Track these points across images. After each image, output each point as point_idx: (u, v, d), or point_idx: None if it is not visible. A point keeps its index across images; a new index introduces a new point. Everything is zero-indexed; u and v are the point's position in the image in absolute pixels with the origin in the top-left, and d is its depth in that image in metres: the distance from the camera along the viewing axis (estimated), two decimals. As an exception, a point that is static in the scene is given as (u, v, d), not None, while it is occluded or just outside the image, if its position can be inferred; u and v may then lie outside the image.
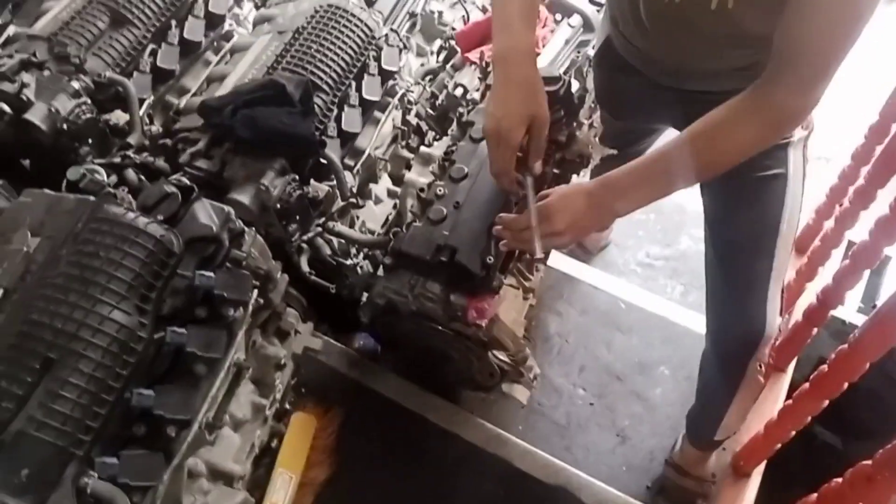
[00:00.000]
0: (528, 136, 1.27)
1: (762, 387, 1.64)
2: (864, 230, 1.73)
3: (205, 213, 1.31)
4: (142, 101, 1.75)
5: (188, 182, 1.38)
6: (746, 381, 1.62)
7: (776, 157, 1.46)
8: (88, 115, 1.63)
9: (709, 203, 1.62)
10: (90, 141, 1.65)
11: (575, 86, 1.77)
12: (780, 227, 1.49)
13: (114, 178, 1.49)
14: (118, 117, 1.71)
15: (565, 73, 1.76)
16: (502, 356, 1.65)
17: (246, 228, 1.37)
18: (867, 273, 1.85)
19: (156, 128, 1.77)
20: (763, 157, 1.43)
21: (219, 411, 1.30)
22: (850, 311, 2.10)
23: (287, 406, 1.63)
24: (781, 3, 1.12)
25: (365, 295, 1.61)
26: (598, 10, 2.18)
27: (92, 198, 1.27)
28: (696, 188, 1.63)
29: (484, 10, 2.29)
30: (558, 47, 2.07)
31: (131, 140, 1.69)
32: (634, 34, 1.47)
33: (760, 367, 1.58)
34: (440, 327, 1.56)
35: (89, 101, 1.65)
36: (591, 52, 2.20)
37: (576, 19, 2.13)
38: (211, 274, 1.23)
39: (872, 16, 1.06)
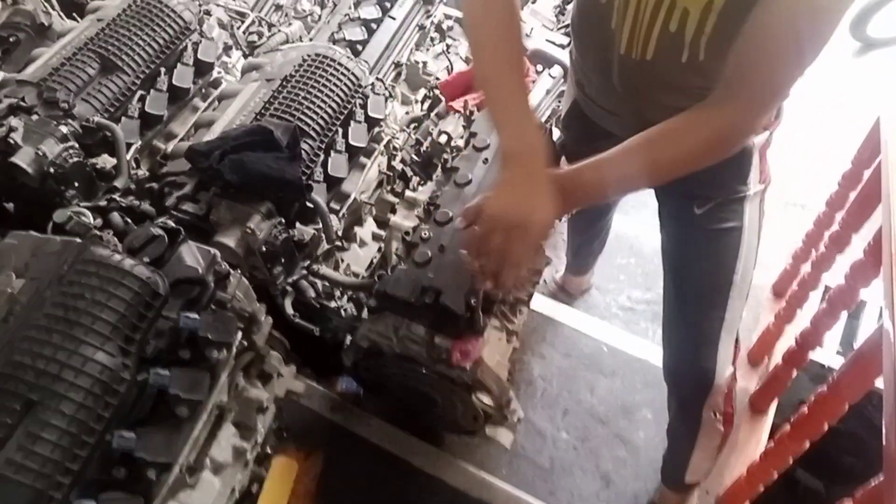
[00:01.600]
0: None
1: (723, 434, 1.64)
2: (840, 274, 1.76)
3: (191, 255, 1.31)
4: (129, 146, 1.76)
5: (174, 225, 1.38)
6: (704, 429, 1.63)
7: (732, 210, 1.48)
8: (76, 159, 1.63)
9: (667, 245, 1.65)
10: (76, 184, 1.65)
11: (556, 133, 1.81)
12: (733, 279, 1.51)
13: (99, 221, 1.49)
14: (105, 161, 1.72)
15: (547, 121, 1.80)
16: (486, 399, 1.64)
17: (231, 271, 1.37)
18: (845, 316, 1.87)
19: (142, 172, 1.78)
20: (720, 210, 1.47)
21: (200, 454, 1.29)
22: (829, 353, 2.12)
23: (268, 450, 1.61)
24: None
25: (349, 337, 1.61)
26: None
27: (78, 240, 1.27)
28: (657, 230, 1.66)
29: (467, 61, 2.35)
30: (540, 97, 2.12)
31: (118, 183, 1.69)
32: (602, 95, 1.50)
33: (715, 415, 1.59)
34: (424, 370, 1.56)
35: (77, 146, 1.66)
36: (571, 101, 2.26)
37: (556, 70, 2.19)
38: (196, 316, 1.23)
39: (818, 52, 1.09)
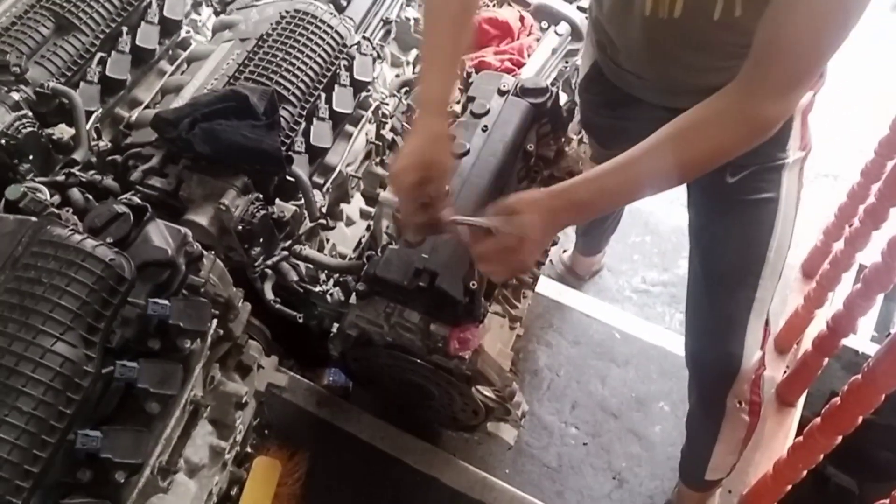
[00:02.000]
0: (429, 182, 1.30)
1: (749, 426, 1.65)
2: (876, 252, 1.76)
3: (159, 235, 1.31)
4: (89, 114, 1.74)
5: (140, 201, 1.38)
6: (728, 419, 1.64)
7: (769, 179, 1.48)
8: (30, 129, 1.62)
9: (695, 221, 1.64)
10: (31, 157, 1.64)
11: (563, 98, 1.80)
12: (767, 255, 1.51)
13: (57, 198, 1.48)
14: (62, 131, 1.71)
15: (552, 84, 1.80)
16: (487, 392, 1.65)
17: (204, 252, 1.37)
18: (881, 298, 1.88)
19: (104, 143, 1.77)
20: (755, 179, 1.46)
21: (173, 455, 1.29)
22: (863, 340, 2.13)
23: (248, 449, 1.62)
24: None
25: (335, 325, 1.61)
26: (586, 17, 2.23)
27: (33, 219, 1.26)
28: (684, 203, 1.66)
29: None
30: (545, 57, 2.11)
31: (77, 156, 1.68)
32: (628, 57, 1.49)
33: (741, 404, 1.60)
34: (419, 360, 1.56)
35: (31, 114, 1.64)
36: (579, 62, 2.25)
37: (563, 27, 2.18)
38: (166, 302, 1.23)
39: (858, 19, 1.08)
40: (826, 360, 1.95)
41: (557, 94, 1.77)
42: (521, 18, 2.19)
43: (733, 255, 1.55)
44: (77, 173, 1.60)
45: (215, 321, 1.34)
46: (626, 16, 1.38)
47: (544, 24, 2.20)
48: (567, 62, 2.18)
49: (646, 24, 1.35)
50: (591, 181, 1.26)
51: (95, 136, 1.77)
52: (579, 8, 2.26)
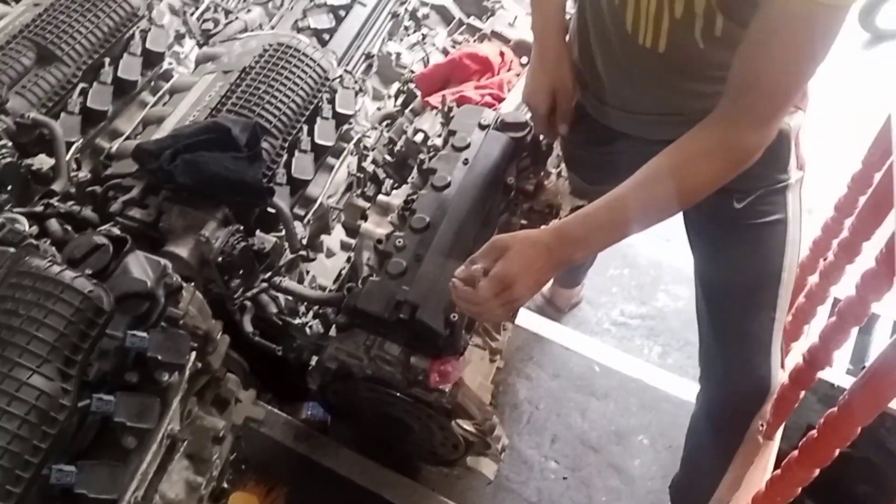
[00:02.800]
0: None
1: (760, 447, 1.67)
2: (850, 285, 1.78)
3: (138, 266, 1.30)
4: (69, 145, 1.74)
5: (120, 233, 1.37)
6: (746, 444, 1.66)
7: (775, 201, 1.51)
8: (8, 160, 1.61)
9: (701, 253, 1.65)
10: (9, 187, 1.63)
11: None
12: (781, 276, 1.55)
13: (35, 229, 1.47)
14: (42, 162, 1.70)
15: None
16: (467, 426, 1.64)
17: (184, 284, 1.37)
18: (855, 331, 1.90)
19: (84, 174, 1.77)
20: (761, 203, 1.50)
21: (148, 490, 1.27)
22: (838, 373, 2.14)
23: (225, 484, 1.60)
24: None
25: (314, 358, 1.60)
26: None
27: (11, 249, 1.25)
28: (684, 237, 1.68)
29: (445, 52, 2.36)
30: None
31: (56, 187, 1.67)
32: (614, 93, 1.52)
33: (763, 426, 1.61)
34: (399, 394, 1.56)
35: (10, 144, 1.64)
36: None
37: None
38: (144, 334, 1.22)
39: (829, 48, 1.13)
40: (802, 393, 1.96)
41: (537, 137, 1.79)
42: (502, 54, 2.22)
43: (752, 277, 1.58)
44: (56, 204, 1.60)
45: (194, 354, 1.33)
46: (611, 46, 1.41)
47: (524, 60, 2.22)
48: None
49: (633, 57, 1.38)
50: (584, 217, 1.28)
51: (75, 166, 1.77)
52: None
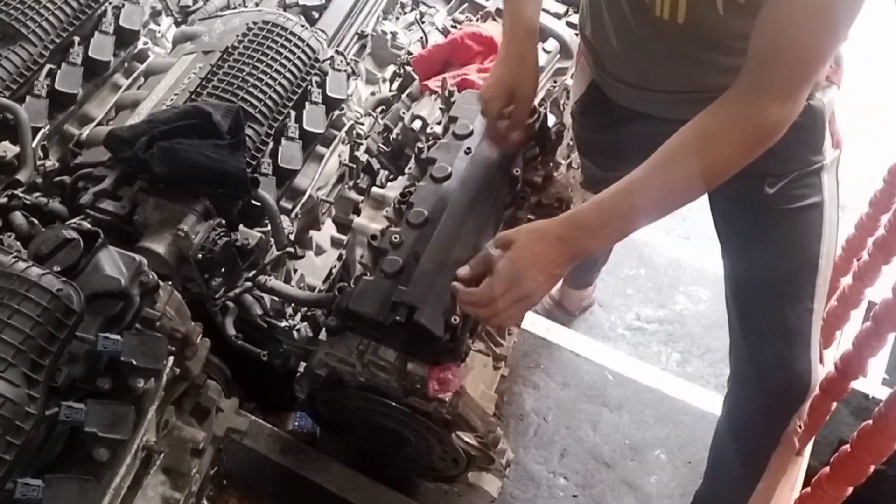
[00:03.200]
0: (513, 109, 1.59)
1: (796, 450, 1.67)
2: (886, 287, 1.79)
3: (111, 263, 1.30)
4: (35, 131, 1.74)
5: (91, 227, 1.37)
6: (782, 445, 1.66)
7: (810, 184, 1.52)
8: (-31, 147, 1.62)
9: (732, 245, 1.66)
10: (-30, 177, 1.63)
11: (551, 120, 1.83)
12: (818, 263, 1.56)
13: (-1, 222, 1.48)
14: (6, 150, 1.70)
15: (540, 104, 1.82)
16: (469, 438, 1.65)
17: (160, 283, 1.36)
18: (892, 337, 1.90)
19: (51, 163, 1.76)
20: (795, 187, 1.51)
21: (122, 506, 1.27)
22: (873, 383, 2.15)
23: (205, 501, 1.60)
24: None
25: (302, 364, 1.60)
26: (576, 34, 2.27)
27: (-28, 244, 1.25)
28: (704, 234, 1.69)
29: (445, 32, 2.36)
30: (532, 75, 2.14)
31: (21, 177, 1.67)
32: (630, 69, 1.53)
33: (801, 426, 1.62)
34: (394, 403, 1.56)
35: (-30, 131, 1.64)
36: (569, 81, 2.28)
37: (551, 44, 2.20)
38: (117, 337, 1.22)
39: (856, 13, 1.13)
40: (834, 404, 1.96)
41: (545, 115, 1.79)
42: (508, 34, 2.22)
43: (788, 267, 1.59)
44: (21, 195, 1.59)
45: (171, 358, 1.33)
46: (626, 20, 1.42)
47: (531, 41, 2.23)
48: (556, 81, 2.21)
49: (651, 29, 1.40)
50: (599, 203, 1.29)
51: (42, 154, 1.77)
52: (569, 24, 2.30)
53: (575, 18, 2.33)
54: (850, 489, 1.61)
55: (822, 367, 1.62)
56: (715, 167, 1.25)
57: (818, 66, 1.22)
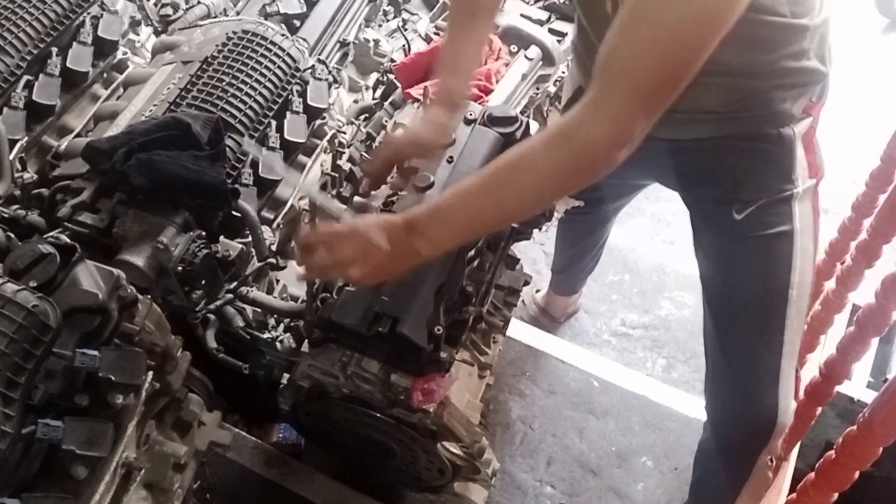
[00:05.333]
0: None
1: (770, 483, 1.66)
2: (869, 292, 1.79)
3: (89, 277, 1.28)
4: (13, 143, 1.73)
5: (69, 240, 1.35)
6: (754, 478, 1.65)
7: (779, 212, 1.50)
8: (-55, 160, 1.60)
9: (704, 266, 1.66)
10: (-54, 191, 1.62)
11: (534, 127, 1.82)
12: (789, 294, 1.53)
13: (-25, 236, 1.46)
14: (-17, 162, 1.69)
15: (523, 112, 1.82)
16: (454, 448, 1.64)
17: (139, 296, 1.35)
18: (876, 342, 1.90)
19: (29, 175, 1.74)
20: (764, 214, 1.49)
21: (102, 525, 1.26)
22: (858, 386, 2.16)
23: (188, 516, 1.58)
24: (752, 37, 1.18)
25: (286, 376, 1.59)
26: (558, 41, 2.27)
27: (-54, 260, 1.23)
28: (688, 239, 1.68)
29: (428, 39, 2.35)
30: (514, 83, 2.14)
31: (-2, 189, 1.66)
32: None
33: (771, 461, 1.60)
34: (378, 414, 1.55)
35: (-54, 143, 1.62)
36: (551, 88, 2.28)
37: (533, 51, 2.21)
38: (95, 352, 1.20)
39: (706, 46, 1.07)
40: (819, 408, 1.97)
41: (528, 123, 1.79)
42: (490, 42, 2.22)
43: (755, 295, 1.57)
44: (-2, 208, 1.58)
45: (151, 373, 1.31)
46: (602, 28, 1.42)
47: (514, 48, 2.23)
48: (538, 88, 2.21)
49: None
50: (433, 207, 1.29)
51: (20, 167, 1.75)
52: (551, 30, 2.30)
53: (557, 25, 2.34)
54: (836, 495, 1.61)
55: (795, 403, 1.60)
56: (531, 184, 1.21)
57: (649, 92, 1.12)
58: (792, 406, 1.58)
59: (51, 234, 1.52)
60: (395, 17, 2.48)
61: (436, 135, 1.53)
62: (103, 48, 1.97)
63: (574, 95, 1.70)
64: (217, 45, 1.88)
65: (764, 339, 1.56)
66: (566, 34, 2.32)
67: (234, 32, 1.91)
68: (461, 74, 1.54)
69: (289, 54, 1.92)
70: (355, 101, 2.25)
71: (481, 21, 1.52)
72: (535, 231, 1.84)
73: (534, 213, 1.31)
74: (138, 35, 2.15)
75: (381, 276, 1.31)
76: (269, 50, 1.90)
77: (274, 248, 1.80)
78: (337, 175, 2.02)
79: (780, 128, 1.41)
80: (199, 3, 2.26)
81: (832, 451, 1.57)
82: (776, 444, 1.59)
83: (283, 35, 1.96)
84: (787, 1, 1.27)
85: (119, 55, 2.02)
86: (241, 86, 1.82)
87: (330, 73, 2.02)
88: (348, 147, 2.06)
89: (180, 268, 1.56)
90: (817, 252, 1.59)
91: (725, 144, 1.43)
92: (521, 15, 2.34)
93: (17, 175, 1.71)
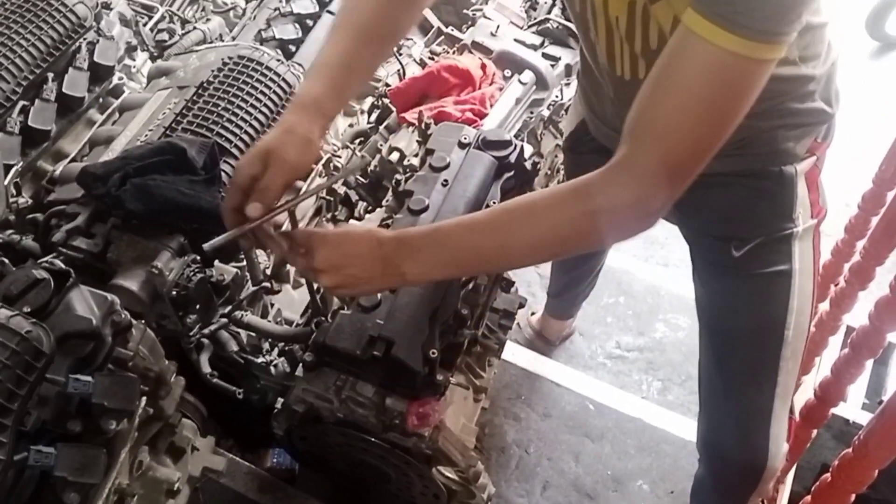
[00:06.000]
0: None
1: None
2: (863, 314, 1.79)
3: (83, 303, 1.28)
4: (8, 168, 1.73)
5: (63, 265, 1.35)
6: None
7: (778, 250, 1.48)
8: (-60, 185, 1.60)
9: (704, 299, 1.64)
10: (-60, 216, 1.62)
11: (528, 151, 1.83)
12: (785, 334, 1.50)
13: (-31, 261, 1.45)
14: (-23, 187, 1.69)
15: (517, 136, 1.83)
16: (449, 473, 1.63)
17: (133, 321, 1.35)
18: (870, 363, 1.91)
19: (24, 200, 1.75)
20: (763, 252, 1.47)
21: (94, 552, 1.24)
22: (853, 408, 2.16)
23: (182, 542, 1.57)
24: None
25: (280, 400, 1.58)
26: (552, 65, 2.28)
27: (-60, 285, 1.23)
28: (682, 262, 1.67)
29: (422, 64, 2.37)
30: (508, 107, 2.15)
31: (-7, 214, 1.66)
32: (610, 114, 1.52)
33: (763, 503, 1.59)
34: (373, 439, 1.54)
35: (-59, 168, 1.63)
36: (545, 112, 2.29)
37: (527, 75, 2.22)
38: (88, 378, 1.20)
39: (740, 109, 1.05)
40: (815, 430, 1.96)
41: (522, 146, 1.79)
42: (483, 66, 2.23)
43: (750, 334, 1.55)
44: (-8, 233, 1.58)
45: (144, 399, 1.30)
46: (594, 68, 1.42)
47: (507, 73, 2.24)
48: (532, 112, 2.22)
49: (612, 81, 1.39)
50: (432, 229, 1.26)
51: (14, 191, 1.76)
52: (545, 55, 2.31)
53: (551, 50, 2.35)
54: (833, 517, 1.61)
55: (787, 446, 1.58)
56: (543, 234, 1.16)
57: (686, 158, 1.08)
58: (784, 449, 1.56)
59: (45, 258, 1.52)
60: (389, 43, 2.49)
61: (289, 146, 1.26)
62: (99, 73, 1.98)
63: (577, 129, 1.70)
64: (213, 71, 1.89)
65: (757, 378, 1.54)
66: (560, 59, 2.33)
67: (230, 58, 1.92)
68: (343, 81, 1.34)
69: (284, 79, 1.93)
70: (350, 126, 2.26)
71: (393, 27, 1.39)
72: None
73: (529, 264, 1.24)
74: (134, 60, 2.17)
75: (354, 289, 1.27)
76: (265, 75, 1.90)
77: (268, 271, 1.80)
78: (332, 198, 2.03)
79: (782, 166, 1.40)
80: (194, 28, 2.28)
81: (828, 474, 1.58)
82: (766, 487, 1.58)
83: (278, 60, 1.96)
84: (797, 46, 1.25)
85: (115, 80, 2.03)
86: (237, 111, 1.82)
87: (325, 97, 2.03)
88: (343, 171, 2.06)
89: (175, 292, 1.56)
90: (816, 294, 1.56)
91: (725, 181, 1.41)
92: (515, 40, 2.35)
93: (11, 200, 1.72)
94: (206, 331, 1.64)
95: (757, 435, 1.54)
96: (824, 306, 2.18)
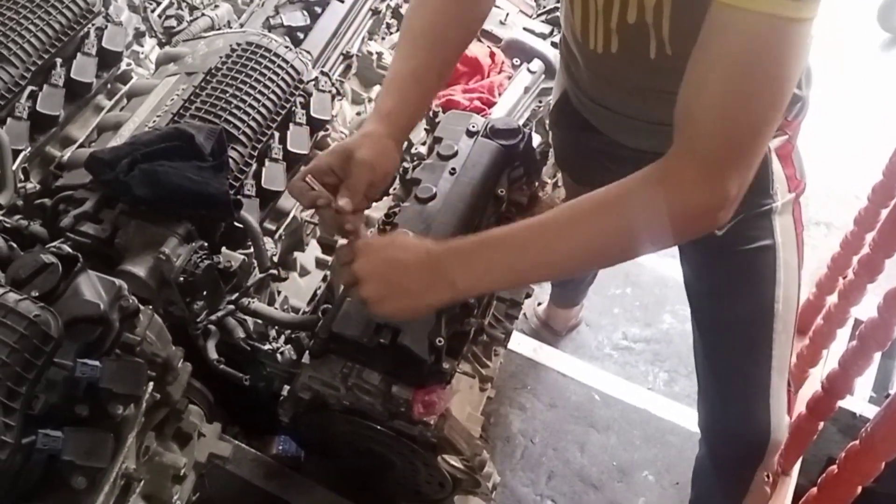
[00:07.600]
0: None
1: (768, 499, 1.65)
2: (872, 306, 1.79)
3: (90, 288, 1.28)
4: (16, 153, 1.73)
5: (71, 250, 1.36)
6: (752, 495, 1.64)
7: (760, 226, 1.50)
8: (-52, 170, 1.60)
9: (692, 280, 1.66)
10: (-51, 201, 1.62)
11: (536, 140, 1.83)
12: (775, 308, 1.52)
13: (-23, 246, 1.46)
14: (-14, 172, 1.69)
15: (525, 124, 1.82)
16: (455, 461, 1.63)
17: (141, 307, 1.35)
18: (878, 356, 1.90)
19: (32, 185, 1.75)
20: (745, 228, 1.48)
21: (101, 536, 1.25)
22: (860, 401, 2.16)
23: (187, 527, 1.58)
24: None
25: (286, 387, 1.59)
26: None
27: (-52, 269, 1.24)
28: (667, 252, 1.67)
29: (430, 51, 2.36)
30: (517, 96, 2.14)
31: (1, 200, 1.66)
32: (589, 84, 1.52)
33: (768, 477, 1.59)
34: (379, 427, 1.54)
35: (-51, 153, 1.63)
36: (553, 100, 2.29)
37: (536, 64, 2.21)
38: (96, 363, 1.20)
39: (792, 78, 1.03)
40: (821, 423, 1.96)
41: (530, 135, 1.79)
42: (492, 55, 2.23)
43: (740, 310, 1.56)
44: (1, 218, 1.58)
45: (151, 384, 1.31)
46: (571, 40, 1.43)
47: (516, 61, 2.24)
48: (541, 101, 2.22)
49: (585, 55, 1.41)
50: (486, 235, 1.20)
51: (23, 177, 1.76)
52: (553, 44, 2.31)
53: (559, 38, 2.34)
54: (839, 510, 1.61)
55: (789, 419, 1.59)
56: (621, 232, 1.12)
57: (748, 144, 1.05)
58: (785, 421, 1.57)
59: (53, 244, 1.52)
60: (398, 31, 2.49)
61: (380, 156, 1.31)
62: (107, 59, 1.97)
63: (560, 100, 1.70)
64: (221, 57, 1.89)
65: (752, 355, 1.55)
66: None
67: (238, 44, 1.92)
68: (413, 95, 1.40)
69: (292, 66, 1.93)
70: (358, 114, 2.26)
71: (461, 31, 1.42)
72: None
73: (591, 267, 1.20)
74: (142, 46, 2.16)
75: (397, 302, 1.19)
76: (273, 62, 1.90)
77: (276, 259, 1.81)
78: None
79: None
80: (203, 15, 2.27)
81: (834, 467, 1.57)
82: (772, 460, 1.58)
83: (286, 47, 1.96)
84: None
85: (123, 66, 2.02)
86: (245, 97, 1.82)
87: (333, 85, 2.03)
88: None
89: (182, 278, 1.56)
90: (802, 265, 1.57)
91: None
92: (524, 28, 2.35)
93: (19, 185, 1.72)
94: (213, 317, 1.65)
95: (757, 409, 1.55)
96: (832, 298, 2.18)
